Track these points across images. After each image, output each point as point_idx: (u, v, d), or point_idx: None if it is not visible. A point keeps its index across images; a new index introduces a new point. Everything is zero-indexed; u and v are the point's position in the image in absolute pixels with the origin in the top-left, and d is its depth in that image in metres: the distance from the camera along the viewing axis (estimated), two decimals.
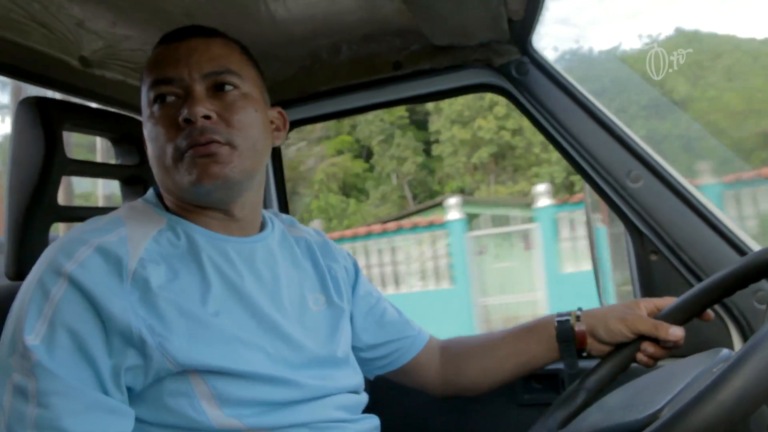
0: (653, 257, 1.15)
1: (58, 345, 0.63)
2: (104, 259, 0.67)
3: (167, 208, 0.80)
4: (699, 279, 1.09)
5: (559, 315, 0.94)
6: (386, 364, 0.99)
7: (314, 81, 1.32)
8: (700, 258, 1.09)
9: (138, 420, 0.68)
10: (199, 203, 0.78)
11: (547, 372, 1.20)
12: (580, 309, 0.93)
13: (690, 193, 1.11)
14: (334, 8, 1.09)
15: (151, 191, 0.83)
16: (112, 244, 0.69)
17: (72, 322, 0.64)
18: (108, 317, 0.64)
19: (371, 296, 0.99)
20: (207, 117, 0.73)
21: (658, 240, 1.13)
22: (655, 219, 1.13)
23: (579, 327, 0.90)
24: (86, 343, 0.64)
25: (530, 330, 0.96)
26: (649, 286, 1.16)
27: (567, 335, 0.91)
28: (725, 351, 0.69)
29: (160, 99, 0.75)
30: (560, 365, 1.19)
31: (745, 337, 1.06)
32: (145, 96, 0.77)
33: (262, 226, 0.87)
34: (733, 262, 1.03)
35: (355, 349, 0.96)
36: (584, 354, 0.92)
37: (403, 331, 0.99)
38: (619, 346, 0.87)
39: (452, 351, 1.01)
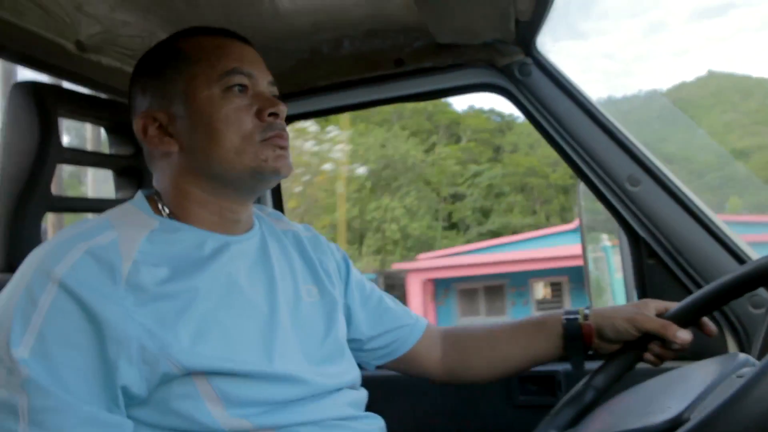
0: (650, 261, 1.16)
1: (49, 358, 0.59)
2: (96, 262, 0.64)
3: (157, 212, 0.78)
4: (696, 284, 1.10)
5: (567, 312, 0.94)
6: (386, 354, 0.98)
7: (314, 75, 1.30)
8: (697, 263, 1.10)
9: (145, 425, 0.66)
10: (248, 188, 0.79)
11: (544, 373, 1.21)
12: (587, 307, 0.93)
13: (689, 198, 1.12)
14: (339, 2, 1.08)
15: (140, 195, 0.80)
16: (102, 247, 0.66)
17: (63, 331, 0.60)
18: (103, 324, 0.61)
19: (365, 287, 0.98)
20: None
21: (656, 244, 1.14)
22: (653, 223, 1.13)
23: (586, 325, 0.90)
24: (79, 355, 0.61)
25: (538, 326, 0.96)
26: (644, 290, 1.17)
27: (574, 333, 0.91)
28: (742, 356, 0.69)
29: (237, 87, 0.77)
30: (557, 367, 1.20)
31: (740, 341, 1.07)
32: (218, 79, 0.77)
33: (252, 224, 0.87)
34: (729, 269, 1.04)
35: (354, 341, 0.95)
36: (590, 353, 0.92)
37: (401, 320, 0.98)
38: (626, 345, 0.88)
39: (456, 341, 1.01)
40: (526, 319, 0.99)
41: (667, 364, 0.97)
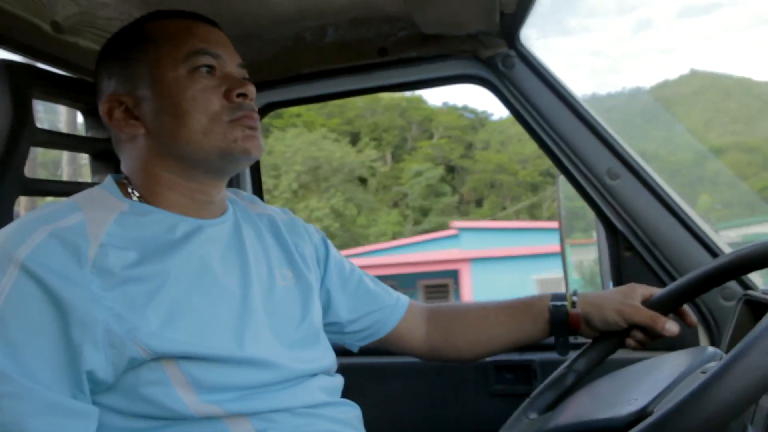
0: (626, 254, 1.18)
1: (9, 342, 0.58)
2: (60, 244, 0.62)
3: (127, 196, 0.76)
4: (670, 276, 1.12)
5: (554, 297, 0.94)
6: (368, 336, 0.98)
7: (297, 63, 1.29)
8: (672, 256, 1.12)
9: (113, 411, 0.65)
10: (217, 169, 0.78)
11: (520, 362, 1.22)
12: (575, 292, 0.93)
13: (666, 192, 1.14)
14: None
15: (109, 179, 0.78)
16: (68, 229, 0.64)
17: (25, 314, 0.59)
18: (67, 307, 0.60)
19: (344, 269, 0.97)
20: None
21: (633, 237, 1.16)
22: (630, 216, 1.15)
23: (574, 314, 0.91)
24: (42, 339, 0.59)
25: (525, 310, 0.96)
26: (620, 282, 1.18)
27: (561, 320, 0.91)
28: (711, 350, 0.70)
29: (204, 68, 0.76)
30: (533, 356, 1.22)
31: (710, 332, 1.10)
32: (184, 59, 0.76)
33: (226, 207, 0.85)
34: (703, 262, 1.07)
35: (334, 324, 0.95)
36: (576, 337, 0.93)
37: (381, 301, 0.98)
38: (610, 332, 0.89)
39: (442, 319, 1.00)
40: (514, 301, 0.99)
41: (639, 354, 1.00)
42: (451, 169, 27.28)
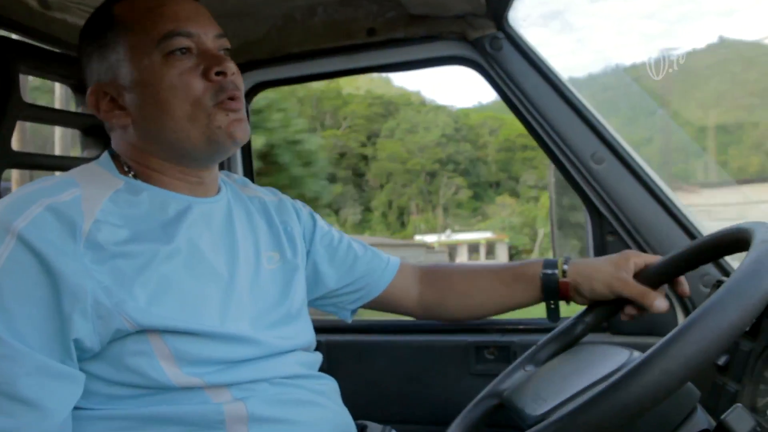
0: (610, 238, 1.18)
1: (3, 308, 0.60)
2: (56, 218, 0.64)
3: (123, 173, 0.77)
4: None
5: (546, 263, 0.94)
6: (358, 299, 1.00)
7: (286, 42, 1.30)
8: (654, 241, 1.12)
9: (99, 379, 0.67)
10: (201, 159, 0.77)
11: (500, 343, 1.24)
12: (567, 260, 0.93)
13: (649, 177, 1.13)
14: None
15: (105, 155, 0.79)
16: (64, 203, 0.66)
17: (19, 282, 0.61)
18: (59, 278, 0.62)
19: (333, 239, 0.98)
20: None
21: (616, 222, 1.16)
22: (614, 201, 1.15)
23: (564, 282, 0.91)
24: (34, 306, 0.61)
25: (516, 276, 0.96)
26: None
27: (552, 288, 0.92)
28: (636, 355, 0.71)
29: (179, 51, 0.74)
30: (513, 338, 1.24)
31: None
32: (156, 44, 0.73)
33: (218, 189, 0.87)
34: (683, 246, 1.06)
35: (326, 295, 0.97)
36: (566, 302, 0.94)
37: (370, 265, 0.99)
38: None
39: (435, 281, 1.02)
40: (505, 266, 0.99)
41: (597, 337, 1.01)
42: (364, 158, 27.43)
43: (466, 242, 22.58)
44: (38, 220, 0.63)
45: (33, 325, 0.62)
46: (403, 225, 26.86)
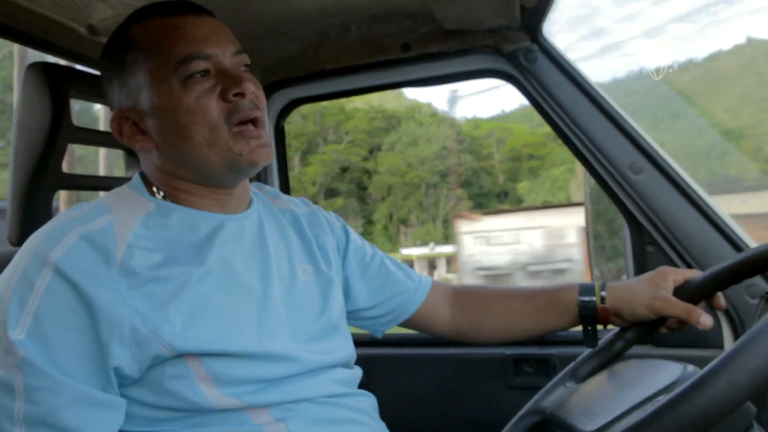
0: (650, 248, 1.17)
1: (44, 339, 0.61)
2: (90, 246, 0.65)
3: (153, 194, 0.78)
4: None
5: (582, 289, 0.91)
6: (391, 320, 0.99)
7: (321, 59, 1.32)
8: (696, 252, 1.11)
9: (140, 403, 0.68)
10: (225, 181, 0.77)
11: (539, 356, 1.23)
12: (604, 285, 0.90)
13: (689, 186, 1.12)
14: None
15: (137, 177, 0.80)
16: (97, 231, 0.67)
17: (58, 313, 0.62)
18: (95, 307, 0.63)
19: (365, 255, 0.97)
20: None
21: (656, 232, 1.14)
22: (653, 211, 1.14)
23: (603, 308, 0.88)
24: (73, 336, 0.62)
25: (551, 302, 0.94)
26: None
27: (590, 315, 0.90)
28: (691, 369, 0.70)
29: (198, 74, 0.73)
30: (552, 350, 1.23)
31: (735, 331, 1.08)
32: (174, 70, 0.73)
33: (249, 201, 0.87)
34: (728, 257, 1.05)
35: (356, 312, 0.96)
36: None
37: (403, 285, 0.97)
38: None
39: (467, 303, 1.00)
40: (541, 290, 0.97)
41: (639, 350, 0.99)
42: (366, 171, 27.75)
43: (444, 255, 22.25)
44: (73, 250, 0.65)
45: (73, 355, 0.63)
46: (391, 238, 26.93)
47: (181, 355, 0.67)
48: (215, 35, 0.75)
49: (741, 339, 0.50)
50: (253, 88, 0.75)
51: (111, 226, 0.68)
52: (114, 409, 0.65)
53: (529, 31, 1.17)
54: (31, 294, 0.62)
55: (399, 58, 1.27)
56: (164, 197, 0.78)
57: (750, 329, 0.50)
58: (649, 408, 0.50)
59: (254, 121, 0.75)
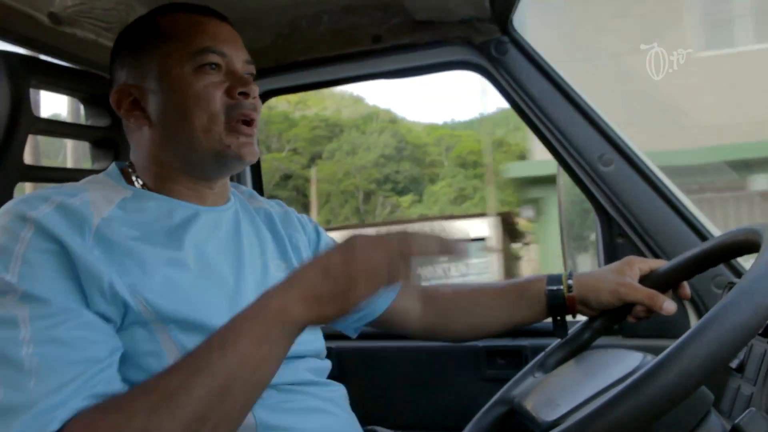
0: (619, 240, 1.18)
1: (37, 278, 0.62)
2: (65, 215, 0.66)
3: (131, 183, 0.80)
4: None
5: (550, 279, 0.94)
6: (358, 319, 1.00)
7: (292, 50, 1.30)
8: (664, 243, 1.12)
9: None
10: (208, 171, 0.80)
11: (511, 348, 1.23)
12: (570, 274, 0.93)
13: (658, 178, 1.13)
14: None
15: (113, 166, 0.82)
16: (74, 205, 0.68)
17: (45, 260, 0.63)
18: (76, 260, 0.64)
19: None
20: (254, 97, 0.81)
21: (625, 223, 1.15)
22: (623, 202, 1.15)
23: (570, 297, 0.91)
24: (62, 281, 0.63)
25: (520, 294, 0.96)
26: None
27: (558, 304, 0.92)
28: (649, 358, 0.71)
29: (210, 65, 0.78)
30: (524, 342, 1.23)
31: (701, 318, 1.09)
32: (190, 57, 0.77)
33: (228, 199, 0.88)
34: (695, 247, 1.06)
35: None
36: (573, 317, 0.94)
37: None
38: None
39: (437, 301, 1.01)
40: (509, 284, 0.99)
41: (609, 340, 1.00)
42: (307, 180, 27.71)
43: None
44: (50, 215, 0.66)
45: (65, 295, 0.63)
46: None
47: (153, 327, 0.67)
48: (233, 41, 0.82)
49: (692, 328, 0.50)
50: (256, 92, 0.80)
51: (87, 203, 0.70)
52: (114, 337, 0.65)
53: (500, 22, 1.17)
54: (17, 243, 0.63)
55: (370, 49, 1.26)
56: (143, 185, 0.80)
57: (701, 318, 0.51)
58: (606, 397, 0.50)
59: (250, 122, 0.79)
